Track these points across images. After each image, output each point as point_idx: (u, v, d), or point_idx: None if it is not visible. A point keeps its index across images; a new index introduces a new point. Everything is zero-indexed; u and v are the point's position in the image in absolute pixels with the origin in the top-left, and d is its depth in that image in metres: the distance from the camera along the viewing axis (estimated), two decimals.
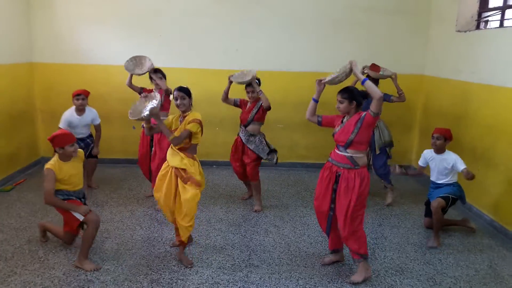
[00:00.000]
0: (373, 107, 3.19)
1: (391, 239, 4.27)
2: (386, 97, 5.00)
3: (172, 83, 6.13)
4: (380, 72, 4.98)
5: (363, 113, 3.31)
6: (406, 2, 6.10)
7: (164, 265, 3.61)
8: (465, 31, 5.27)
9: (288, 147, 6.34)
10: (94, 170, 5.33)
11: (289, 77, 6.20)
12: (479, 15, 5.28)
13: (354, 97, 3.35)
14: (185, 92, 3.55)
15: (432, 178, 4.37)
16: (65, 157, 3.52)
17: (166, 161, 3.65)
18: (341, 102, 3.38)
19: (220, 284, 3.36)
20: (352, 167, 3.35)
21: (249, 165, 4.78)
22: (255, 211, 4.84)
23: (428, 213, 4.47)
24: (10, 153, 5.52)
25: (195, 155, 3.64)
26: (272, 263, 3.71)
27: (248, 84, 4.62)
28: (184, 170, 3.50)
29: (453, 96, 5.46)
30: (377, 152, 5.06)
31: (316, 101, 3.51)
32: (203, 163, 6.37)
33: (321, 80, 3.42)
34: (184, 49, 6.12)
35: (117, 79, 5.97)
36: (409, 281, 3.50)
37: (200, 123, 3.50)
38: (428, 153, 4.39)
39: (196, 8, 5.99)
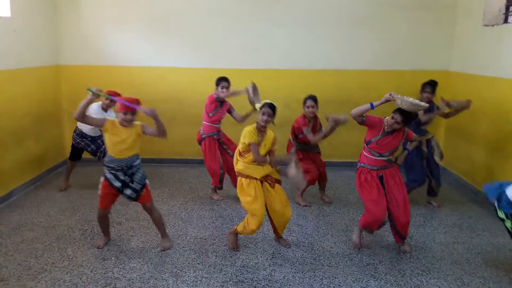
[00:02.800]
0: (411, 145, 4.14)
1: (417, 238, 4.20)
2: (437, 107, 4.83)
3: (195, 83, 6.23)
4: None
5: (405, 129, 3.68)
6: None
7: (188, 263, 3.65)
8: (493, 25, 5.12)
9: None
10: None
11: (311, 75, 6.16)
12: (507, 8, 5.13)
13: (408, 120, 3.57)
14: (273, 110, 3.65)
15: None
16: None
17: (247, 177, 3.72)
18: (397, 123, 3.55)
19: (244, 283, 3.38)
20: (390, 165, 3.75)
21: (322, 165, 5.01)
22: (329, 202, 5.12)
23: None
24: (38, 154, 5.67)
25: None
26: (296, 262, 3.70)
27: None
28: (267, 176, 3.75)
29: (481, 92, 5.32)
30: (438, 161, 4.85)
31: (373, 107, 3.58)
32: None
33: (391, 95, 3.48)
34: (206, 49, 6.16)
35: (140, 80, 6.07)
36: (435, 281, 3.44)
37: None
38: None
39: (218, 7, 6.02)
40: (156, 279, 3.40)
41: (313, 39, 6.13)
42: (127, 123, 3.56)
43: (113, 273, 3.47)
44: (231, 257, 3.77)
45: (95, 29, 6.10)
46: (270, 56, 6.16)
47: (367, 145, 3.72)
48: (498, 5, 5.20)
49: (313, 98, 4.69)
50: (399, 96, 3.47)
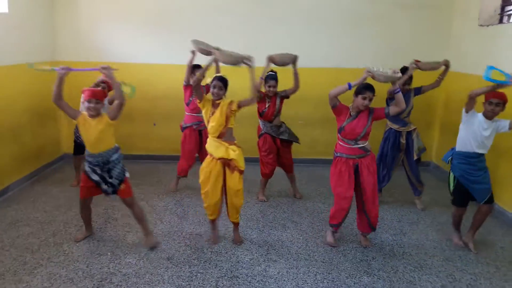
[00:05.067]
0: (392, 110, 3.58)
1: (410, 235, 4.24)
2: (416, 92, 4.85)
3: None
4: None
5: (371, 108, 3.66)
6: None
7: (184, 259, 3.68)
8: (488, 25, 5.17)
9: (308, 143, 6.32)
10: None
11: (310, 73, 6.17)
12: (502, 9, 5.18)
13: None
14: (224, 83, 3.71)
15: (468, 149, 3.87)
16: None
17: (209, 156, 3.78)
18: (370, 99, 3.58)
19: (239, 278, 3.41)
20: (365, 154, 3.74)
21: (289, 158, 4.96)
22: (300, 197, 5.13)
23: (462, 201, 3.94)
24: (35, 149, 5.68)
25: (235, 142, 3.80)
26: (290, 258, 3.74)
27: (272, 78, 4.73)
28: (230, 160, 3.68)
29: None
30: (415, 157, 4.85)
31: (351, 87, 3.56)
32: None
33: (369, 71, 3.50)
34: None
35: (139, 76, 6.07)
36: (428, 277, 3.49)
37: None
38: (480, 117, 3.83)
39: (218, 5, 6.03)
40: (151, 274, 3.43)
41: (314, 37, 6.16)
42: (91, 111, 3.52)
43: (108, 268, 3.50)
44: (226, 253, 3.81)
45: (93, 24, 6.10)
46: (269, 53, 6.16)
47: (339, 133, 3.75)
48: (493, 6, 5.24)
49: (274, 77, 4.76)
50: (375, 70, 3.51)
